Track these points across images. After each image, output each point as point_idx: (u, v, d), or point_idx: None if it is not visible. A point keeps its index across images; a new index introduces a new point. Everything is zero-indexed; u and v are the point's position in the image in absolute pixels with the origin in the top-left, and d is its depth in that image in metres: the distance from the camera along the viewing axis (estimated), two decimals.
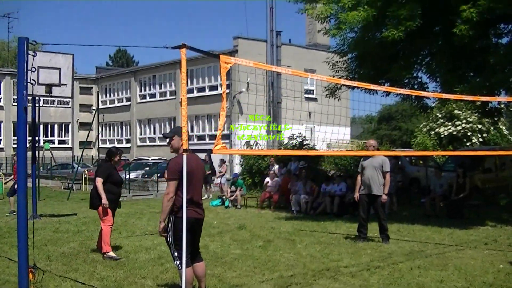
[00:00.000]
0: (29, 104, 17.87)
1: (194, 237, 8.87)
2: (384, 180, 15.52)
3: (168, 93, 60.06)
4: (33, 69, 7.38)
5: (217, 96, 51.73)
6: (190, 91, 55.60)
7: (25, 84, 7.18)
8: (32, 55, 7.32)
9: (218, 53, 36.29)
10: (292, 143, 33.54)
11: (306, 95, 51.70)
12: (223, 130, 40.72)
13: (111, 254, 12.93)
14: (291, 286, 10.29)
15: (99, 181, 13.14)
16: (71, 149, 67.37)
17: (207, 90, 53.40)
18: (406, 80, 23.42)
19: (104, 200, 12.94)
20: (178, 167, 8.43)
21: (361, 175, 15.93)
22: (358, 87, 16.93)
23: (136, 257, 13.27)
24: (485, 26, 19.73)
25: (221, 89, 40.51)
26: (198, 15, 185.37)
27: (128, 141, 65.56)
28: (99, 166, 13.93)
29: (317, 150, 32.39)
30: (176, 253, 8.63)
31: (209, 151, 8.71)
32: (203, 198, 15.68)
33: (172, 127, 58.44)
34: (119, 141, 65.71)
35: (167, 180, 8.74)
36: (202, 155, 28.04)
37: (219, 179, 30.55)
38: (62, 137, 69.16)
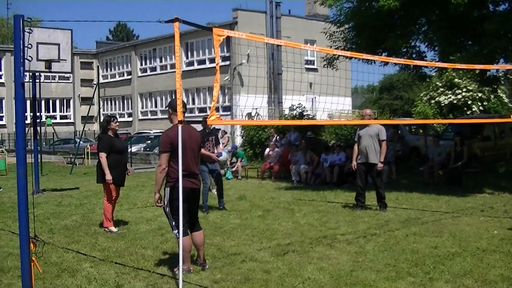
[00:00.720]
0: (28, 81, 18.07)
1: (191, 206, 9.07)
2: (381, 148, 15.70)
3: (168, 66, 60.00)
4: (29, 46, 7.49)
5: (213, 69, 51.88)
6: (190, 63, 55.70)
7: (22, 60, 7.32)
8: (28, 32, 7.44)
9: (218, 25, 36.47)
10: (291, 114, 33.68)
11: (307, 66, 51.77)
12: (225, 102, 40.87)
13: (112, 228, 13.08)
14: (288, 254, 10.49)
15: (102, 156, 13.14)
16: (73, 124, 67.62)
17: (207, 62, 53.36)
18: (404, 50, 23.53)
19: (108, 176, 12.99)
20: (169, 139, 8.74)
21: (357, 144, 16.06)
22: (352, 57, 17.01)
23: (137, 228, 13.48)
24: None
25: (225, 62, 40.79)
26: None
27: (129, 115, 65.68)
28: (99, 139, 13.96)
29: (316, 120, 32.53)
30: (173, 223, 8.87)
31: (204, 121, 8.82)
32: None
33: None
34: (121, 115, 65.84)
35: (159, 152, 8.99)
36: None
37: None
38: (64, 112, 69.35)
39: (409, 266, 9.49)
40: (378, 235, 12.21)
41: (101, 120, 13.87)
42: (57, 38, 20.35)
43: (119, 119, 60.19)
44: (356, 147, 16.19)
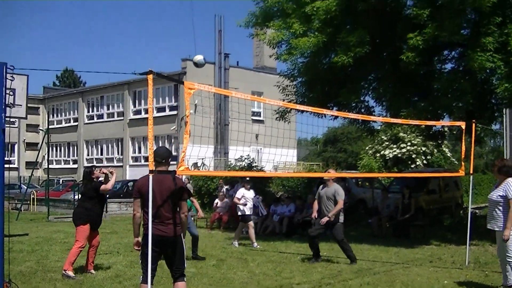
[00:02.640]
0: None
1: (166, 255, 9.19)
2: (336, 205, 16.04)
3: (115, 114, 60.03)
4: None
5: (164, 118, 51.96)
6: (137, 112, 55.79)
7: (3, 107, 7.46)
8: (10, 79, 7.61)
9: (167, 74, 36.54)
10: (239, 164, 33.94)
11: (254, 117, 52.20)
12: (174, 151, 40.65)
13: (70, 273, 13.10)
14: None
15: (103, 188, 13.67)
16: (17, 169, 66.85)
17: (155, 111, 53.45)
18: (354, 104, 24.04)
19: (105, 170, 13.57)
20: (136, 187, 9.10)
21: (318, 202, 16.41)
22: (308, 111, 17.45)
23: (94, 275, 13.54)
24: (430, 53, 20.47)
25: (173, 112, 40.83)
26: (147, 36, 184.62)
27: (75, 161, 65.26)
28: (85, 186, 14.11)
29: (264, 171, 32.83)
30: (142, 268, 9.04)
31: (173, 173, 9.02)
32: None
33: (120, 148, 58.59)
34: (66, 162, 65.50)
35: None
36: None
37: None
38: (8, 157, 68.46)
39: None
40: (332, 285, 12.49)
41: (83, 173, 14.05)
42: (13, 83, 20.36)
43: (64, 166, 59.69)
44: (315, 204, 16.53)
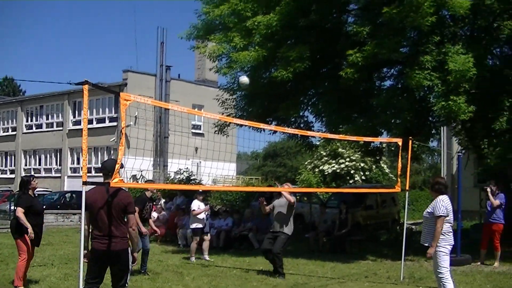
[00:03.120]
0: None
1: (110, 268, 9.16)
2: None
3: (55, 124, 59.27)
4: None
5: (104, 129, 51.56)
6: (77, 122, 55.26)
7: None
8: None
9: (107, 85, 36.30)
10: (178, 177, 33.79)
11: (194, 130, 52.05)
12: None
13: None
14: None
15: (19, 211, 12.74)
16: None
17: (94, 122, 52.92)
18: (293, 119, 24.18)
19: (30, 230, 12.65)
20: (85, 200, 8.78)
21: (271, 214, 16.71)
22: (248, 126, 17.47)
23: None
24: (369, 70, 20.66)
25: (113, 123, 40.47)
26: (88, 47, 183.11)
27: (12, 171, 64.18)
28: (18, 197, 13.69)
29: (204, 185, 32.76)
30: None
31: (107, 184, 8.88)
32: None
33: (58, 158, 57.91)
34: (3, 172, 64.49)
35: None
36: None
37: None
38: None
39: None
40: None
41: (20, 182, 13.65)
42: None
43: (1, 176, 58.71)
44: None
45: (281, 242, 15.94)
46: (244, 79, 17.00)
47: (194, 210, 19.40)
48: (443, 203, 11.09)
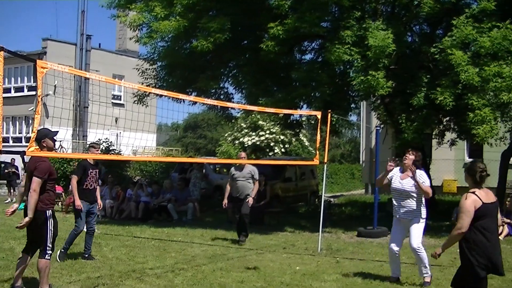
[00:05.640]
0: None
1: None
2: (254, 185, 16.88)
3: None
4: None
5: (22, 98, 50.49)
6: None
7: None
8: None
9: (26, 54, 35.55)
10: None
11: (114, 101, 51.52)
12: (28, 132, 39.70)
13: None
14: (99, 287, 10.60)
15: None
16: None
17: (12, 91, 51.86)
18: (213, 90, 24.17)
19: None
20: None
21: (230, 183, 17.05)
22: (167, 96, 17.35)
23: None
24: (290, 44, 20.77)
25: (32, 92, 39.65)
26: (5, 13, 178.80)
27: None
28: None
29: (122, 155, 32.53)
30: None
31: (22, 153, 8.74)
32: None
33: None
34: None
35: None
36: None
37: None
38: None
39: None
40: (186, 269, 12.51)
41: None
42: None
43: None
44: (228, 186, 17.20)
45: (248, 204, 16.63)
46: None
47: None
48: None
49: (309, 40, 22.96)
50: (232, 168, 17.40)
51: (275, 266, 13.16)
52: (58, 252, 13.33)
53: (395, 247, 11.50)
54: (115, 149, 34.01)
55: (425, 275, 11.28)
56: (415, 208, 11.33)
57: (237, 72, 24.04)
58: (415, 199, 11.33)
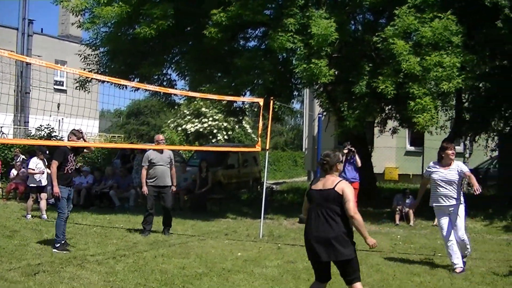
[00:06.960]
0: None
1: None
2: (171, 172, 16.38)
3: None
4: None
5: None
6: None
7: None
8: None
9: None
10: (39, 134, 33.10)
11: (56, 86, 51.01)
12: None
13: None
14: (39, 274, 10.56)
15: None
16: None
17: None
18: (156, 77, 24.09)
19: None
20: None
21: (149, 168, 16.19)
22: (109, 82, 17.25)
23: None
24: (233, 30, 20.80)
25: None
26: None
27: None
28: None
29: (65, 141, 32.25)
30: None
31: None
32: None
33: None
34: None
35: None
36: None
37: None
38: None
39: (159, 286, 9.93)
40: (127, 256, 12.54)
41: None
42: None
43: None
44: (144, 171, 16.25)
45: (171, 196, 16.42)
46: None
47: (30, 168, 19.14)
48: None
49: (252, 27, 22.99)
50: (150, 152, 16.42)
51: (217, 253, 13.27)
52: (58, 245, 13.20)
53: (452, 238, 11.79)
54: (57, 135, 33.69)
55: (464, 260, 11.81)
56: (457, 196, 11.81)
57: (180, 59, 23.98)
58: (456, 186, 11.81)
